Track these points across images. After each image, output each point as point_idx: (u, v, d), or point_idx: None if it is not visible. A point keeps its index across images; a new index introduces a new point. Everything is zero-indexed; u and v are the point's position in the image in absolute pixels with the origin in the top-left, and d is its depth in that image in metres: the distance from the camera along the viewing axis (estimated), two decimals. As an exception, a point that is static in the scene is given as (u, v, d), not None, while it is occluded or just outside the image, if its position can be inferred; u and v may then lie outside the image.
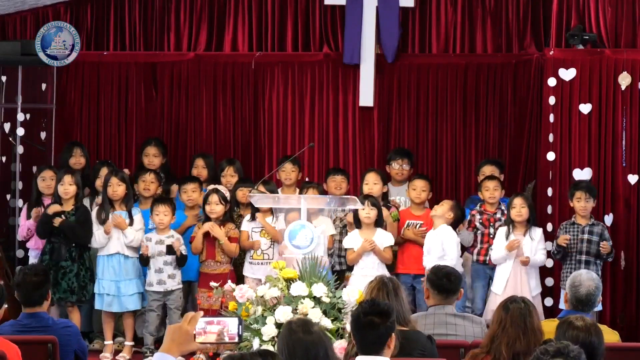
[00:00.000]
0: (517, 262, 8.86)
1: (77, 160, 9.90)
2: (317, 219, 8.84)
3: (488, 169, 9.54)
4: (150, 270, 9.10)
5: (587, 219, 9.02)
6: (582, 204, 8.99)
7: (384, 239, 8.86)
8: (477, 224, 9.21)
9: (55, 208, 9.07)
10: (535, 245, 8.89)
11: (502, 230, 8.97)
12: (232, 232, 9.09)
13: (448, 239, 8.79)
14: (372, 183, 9.31)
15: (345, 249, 8.99)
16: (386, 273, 8.59)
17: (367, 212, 8.82)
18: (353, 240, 8.87)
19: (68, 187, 9.12)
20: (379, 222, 8.90)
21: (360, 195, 9.19)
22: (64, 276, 9.02)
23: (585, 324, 4.86)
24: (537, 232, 8.95)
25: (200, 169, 9.92)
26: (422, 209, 9.30)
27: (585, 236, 8.93)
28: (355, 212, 8.88)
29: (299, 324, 4.51)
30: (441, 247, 8.76)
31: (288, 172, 9.67)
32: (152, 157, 9.97)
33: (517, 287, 8.80)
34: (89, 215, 9.20)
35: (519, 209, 8.88)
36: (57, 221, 9.02)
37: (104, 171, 9.54)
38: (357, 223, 8.93)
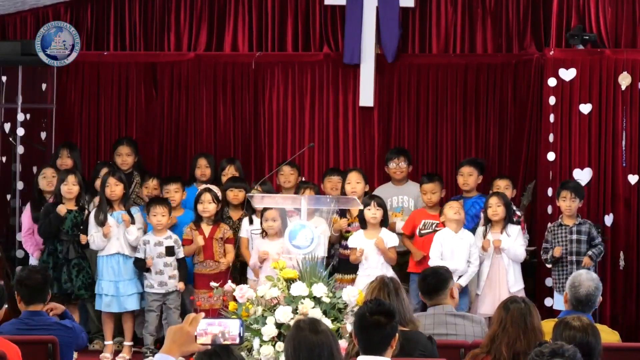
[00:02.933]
0: (494, 260, 8.88)
1: (63, 161, 9.88)
2: (312, 219, 8.85)
3: (466, 170, 9.54)
4: (150, 272, 9.09)
5: (573, 219, 9.01)
6: (567, 203, 8.99)
7: (389, 239, 8.86)
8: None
9: (63, 209, 9.09)
10: (512, 242, 8.87)
11: (480, 230, 9.01)
12: (228, 233, 9.11)
13: (474, 244, 8.88)
14: (354, 182, 9.30)
15: (349, 249, 8.98)
16: (391, 273, 8.61)
17: (374, 213, 8.82)
18: (357, 240, 8.86)
19: (72, 186, 9.15)
20: (384, 222, 8.91)
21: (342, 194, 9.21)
22: (79, 273, 9.07)
23: (582, 324, 4.85)
24: (514, 229, 8.94)
25: (203, 168, 9.92)
26: (436, 209, 9.29)
27: (574, 237, 8.94)
28: (361, 213, 8.88)
29: (307, 323, 4.52)
30: (468, 251, 8.82)
31: (287, 175, 9.67)
32: (125, 156, 9.96)
33: (495, 285, 8.83)
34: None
35: (495, 207, 8.91)
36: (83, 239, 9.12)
37: (104, 171, 9.54)
38: (363, 223, 8.92)
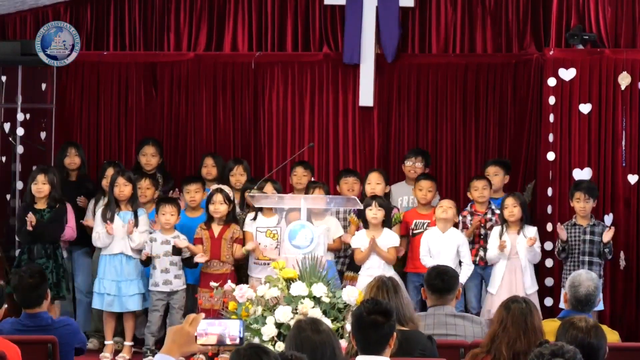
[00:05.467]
0: (511, 261, 8.91)
1: (72, 160, 9.90)
2: (324, 219, 8.85)
3: (492, 170, 9.56)
4: (156, 270, 9.09)
5: (587, 219, 9.04)
6: (581, 204, 9.01)
7: (390, 239, 8.85)
8: (468, 225, 9.23)
9: (32, 219, 9.08)
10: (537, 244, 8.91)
11: (496, 230, 9.02)
12: (238, 233, 9.09)
13: (464, 243, 8.87)
14: (374, 183, 9.33)
15: (353, 249, 8.98)
16: (392, 273, 8.61)
17: (375, 213, 8.83)
18: (360, 240, 8.86)
19: (41, 186, 9.13)
20: (387, 223, 8.91)
21: (363, 195, 9.23)
22: None
23: (586, 325, 4.83)
24: (531, 230, 8.97)
25: (210, 167, 9.93)
26: (428, 209, 9.33)
27: (587, 237, 8.95)
28: (363, 212, 8.88)
29: (308, 322, 4.53)
30: (456, 251, 8.83)
31: (299, 176, 9.66)
32: (150, 156, 9.98)
33: (512, 285, 8.85)
34: (63, 214, 9.21)
35: (511, 208, 8.92)
36: (30, 218, 9.04)
37: (110, 171, 9.55)
38: (365, 223, 8.92)
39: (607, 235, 8.93)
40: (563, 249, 9.00)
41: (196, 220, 9.36)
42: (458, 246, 8.89)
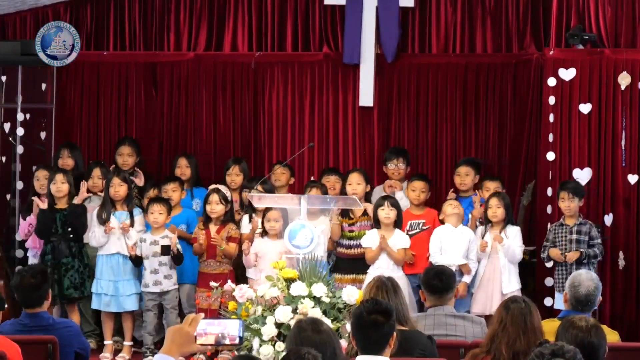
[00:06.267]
0: (491, 261, 8.88)
1: (64, 161, 9.90)
2: (318, 219, 8.84)
3: (463, 170, 9.56)
4: (146, 271, 9.09)
5: (574, 219, 9.01)
6: (565, 203, 9.00)
7: (400, 240, 8.84)
8: (477, 222, 9.23)
9: (40, 203, 9.12)
10: (509, 243, 8.86)
11: (479, 230, 9.02)
12: (233, 232, 9.10)
13: (474, 241, 8.87)
14: (355, 183, 9.29)
15: (364, 248, 8.96)
16: (401, 275, 8.61)
17: (387, 213, 8.82)
18: (371, 239, 8.85)
19: (60, 185, 9.15)
20: (398, 223, 8.90)
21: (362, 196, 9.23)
22: (66, 272, 9.05)
23: (587, 324, 4.83)
24: (512, 230, 8.93)
25: (183, 168, 9.94)
26: (421, 209, 9.31)
27: (574, 236, 8.93)
28: (375, 213, 8.87)
29: (309, 322, 4.53)
30: (467, 247, 8.83)
31: (278, 174, 9.70)
32: (127, 156, 9.99)
33: (490, 285, 8.83)
34: (85, 212, 9.22)
35: (495, 209, 8.90)
36: (78, 199, 9.13)
37: (96, 172, 9.56)
38: (377, 223, 8.91)
39: (554, 253, 8.91)
40: (545, 249, 9.00)
41: (174, 219, 9.35)
42: (469, 242, 8.88)
